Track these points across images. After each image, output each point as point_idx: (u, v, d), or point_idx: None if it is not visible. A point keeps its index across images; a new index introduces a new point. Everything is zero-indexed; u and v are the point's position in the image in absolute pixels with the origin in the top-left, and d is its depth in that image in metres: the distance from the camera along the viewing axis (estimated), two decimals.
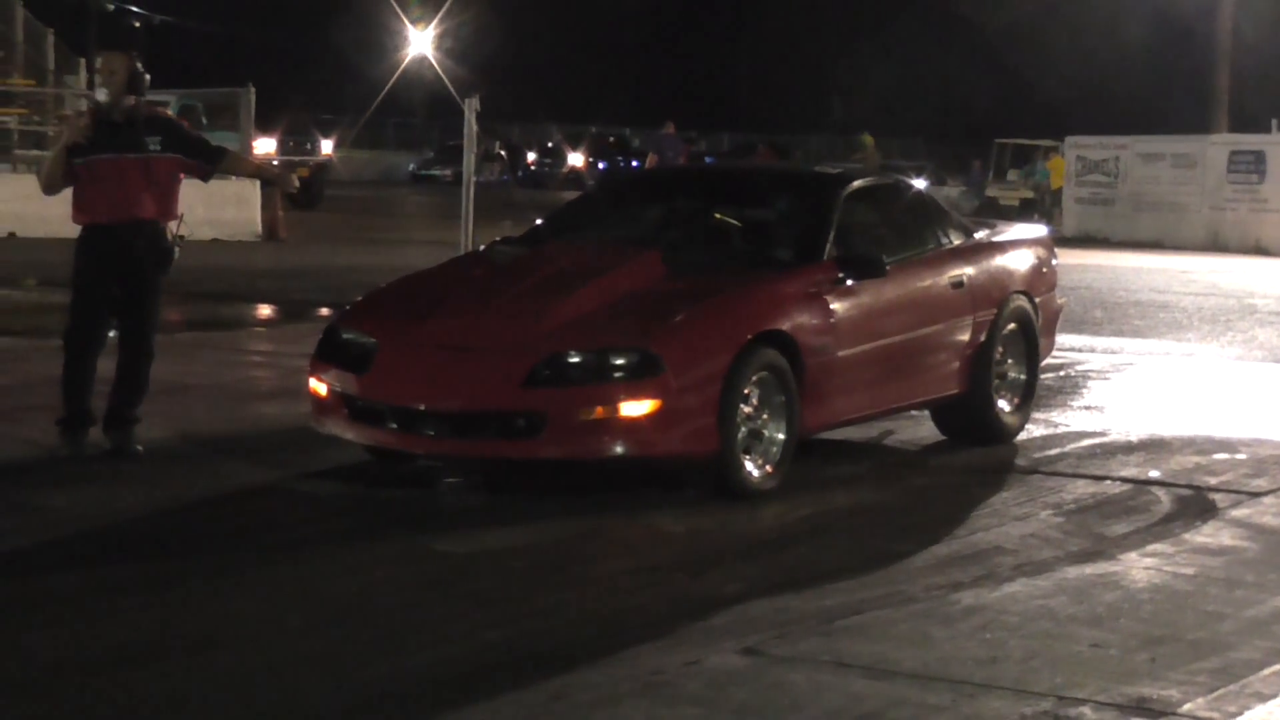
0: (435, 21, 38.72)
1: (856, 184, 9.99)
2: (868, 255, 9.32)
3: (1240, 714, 5.49)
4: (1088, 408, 11.91)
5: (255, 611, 6.48)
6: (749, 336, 8.45)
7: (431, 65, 37.89)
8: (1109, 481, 9.27)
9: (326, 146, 41.93)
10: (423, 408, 8.30)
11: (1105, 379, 13.54)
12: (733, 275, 9.04)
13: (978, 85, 66.80)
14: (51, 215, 25.17)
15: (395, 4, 37.18)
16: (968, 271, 10.08)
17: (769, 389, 8.57)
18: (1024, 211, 42.44)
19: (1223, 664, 6.01)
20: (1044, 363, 11.06)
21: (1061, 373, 13.53)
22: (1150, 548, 7.79)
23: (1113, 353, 15.37)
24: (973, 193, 47.80)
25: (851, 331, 9.11)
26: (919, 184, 11.44)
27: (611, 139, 64.58)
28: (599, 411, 8.10)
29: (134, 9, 62.41)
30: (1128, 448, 10.32)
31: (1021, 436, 10.46)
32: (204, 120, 37.66)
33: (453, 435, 8.28)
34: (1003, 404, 10.34)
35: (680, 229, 9.96)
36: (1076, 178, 39.68)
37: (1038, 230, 11.90)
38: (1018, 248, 10.81)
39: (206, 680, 5.62)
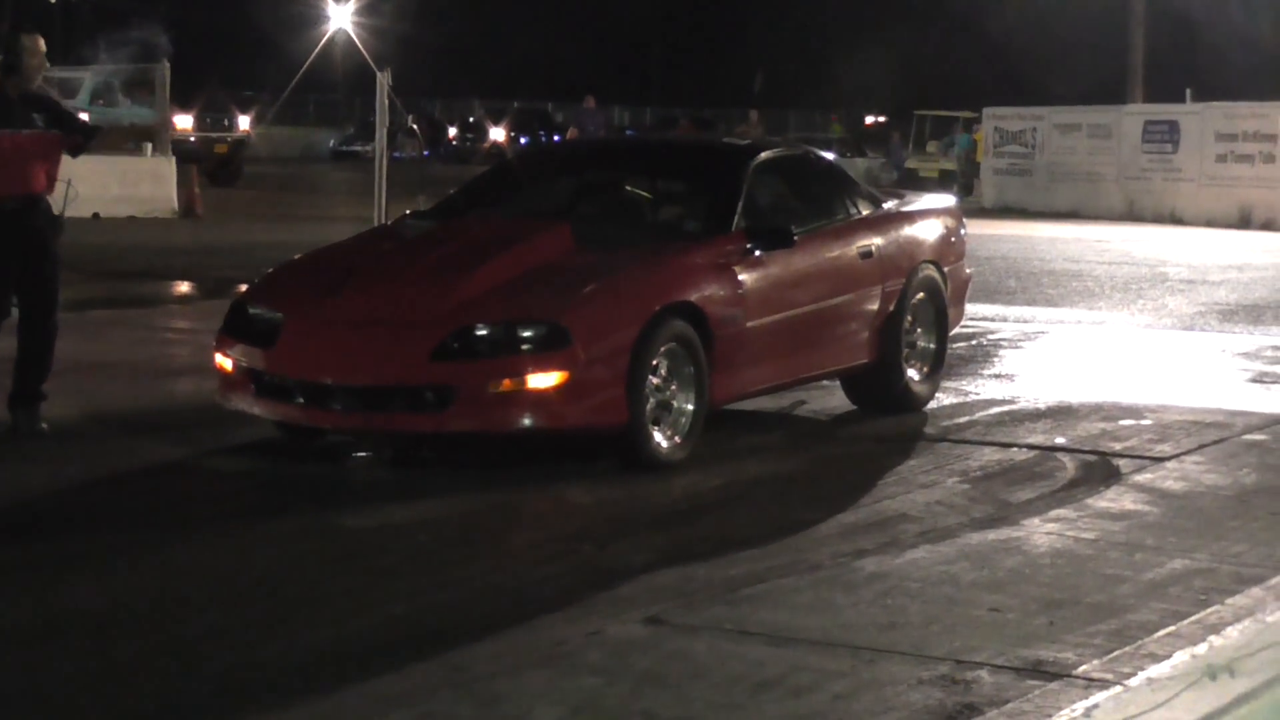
0: None
1: (765, 155, 10.01)
2: (776, 226, 9.33)
3: (1134, 675, 5.57)
4: (998, 376, 12.01)
5: (158, 588, 6.46)
6: (657, 308, 8.46)
7: (351, 40, 37.67)
8: (1015, 448, 9.36)
9: (244, 123, 41.66)
10: (330, 382, 8.27)
11: (1016, 348, 13.66)
12: (641, 247, 9.06)
13: (898, 58, 67.04)
14: None
15: None
16: (876, 241, 10.11)
17: (678, 360, 8.59)
18: (944, 183, 42.66)
19: (1119, 626, 6.10)
20: (954, 332, 11.14)
21: (973, 341, 13.64)
22: (1053, 513, 7.88)
23: (1024, 321, 15.51)
24: (892, 165, 48.01)
25: (760, 302, 9.12)
26: (828, 156, 11.48)
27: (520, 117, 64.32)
28: (507, 384, 8.10)
29: None
30: (1035, 415, 10.43)
31: (931, 405, 10.55)
32: (120, 97, 37.41)
33: (361, 409, 8.26)
34: (912, 373, 10.39)
35: (591, 202, 9.98)
36: (994, 149, 39.91)
37: (946, 200, 11.97)
38: (926, 217, 10.87)
39: (107, 658, 5.60)
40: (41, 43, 9.30)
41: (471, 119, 67.93)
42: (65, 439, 9.05)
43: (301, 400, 8.37)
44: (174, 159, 28.15)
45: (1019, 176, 39.11)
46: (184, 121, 36.49)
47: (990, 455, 9.18)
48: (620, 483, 8.32)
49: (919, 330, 10.53)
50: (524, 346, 8.18)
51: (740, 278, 9.02)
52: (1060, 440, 9.60)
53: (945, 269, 10.73)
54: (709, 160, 10.46)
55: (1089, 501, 8.14)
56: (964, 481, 8.54)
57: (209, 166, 34.49)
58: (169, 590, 6.44)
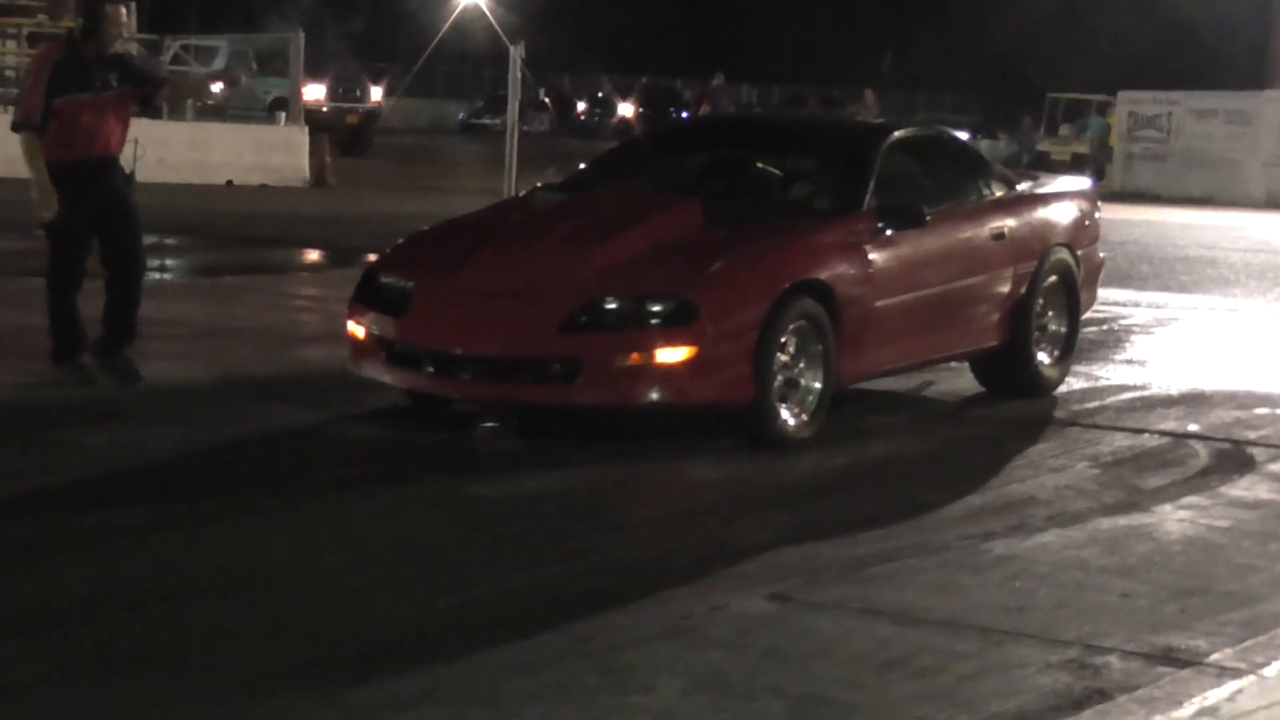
0: None
1: (898, 134, 9.95)
2: (907, 205, 9.27)
3: (1267, 664, 5.49)
4: (1129, 361, 11.86)
5: (287, 552, 6.53)
6: (786, 285, 8.42)
7: (483, 13, 37.84)
8: (1147, 435, 9.24)
9: (376, 94, 41.86)
10: (459, 352, 8.32)
11: (1148, 333, 13.48)
12: (771, 225, 9.02)
13: (1031, 40, 66.35)
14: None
15: None
16: (1009, 223, 10.02)
17: (806, 338, 8.55)
18: (1076, 167, 42.14)
19: (1252, 615, 6.01)
20: (1085, 316, 11.00)
21: (1105, 326, 13.47)
22: (1185, 500, 7.77)
23: (1157, 307, 15.30)
24: (1023, 147, 47.48)
25: (890, 282, 9.07)
26: (961, 135, 11.37)
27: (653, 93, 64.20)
28: (635, 358, 8.09)
29: None
30: (1168, 401, 10.29)
31: (1061, 389, 10.43)
32: (254, 66, 37.78)
33: (489, 380, 8.29)
34: (1043, 356, 10.29)
35: (721, 178, 9.94)
36: (1129, 133, 39.40)
37: (1081, 183, 11.81)
38: (1060, 200, 10.74)
39: (237, 617, 5.67)
40: (123, 12, 9.48)
41: (600, 94, 68.00)
42: (197, 402, 9.16)
43: (431, 369, 8.42)
44: (306, 128, 28.43)
45: (1153, 161, 38.59)
46: (316, 91, 36.78)
47: (1121, 441, 9.07)
48: (745, 459, 8.30)
49: (1050, 314, 10.41)
50: (652, 321, 8.17)
51: (870, 257, 8.96)
52: (1193, 427, 9.46)
53: (1079, 252, 10.60)
54: (841, 138, 10.42)
55: (1222, 490, 8.02)
56: (1094, 466, 8.44)
57: (340, 136, 34.78)
58: (297, 553, 6.50)
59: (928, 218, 9.29)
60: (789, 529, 7.04)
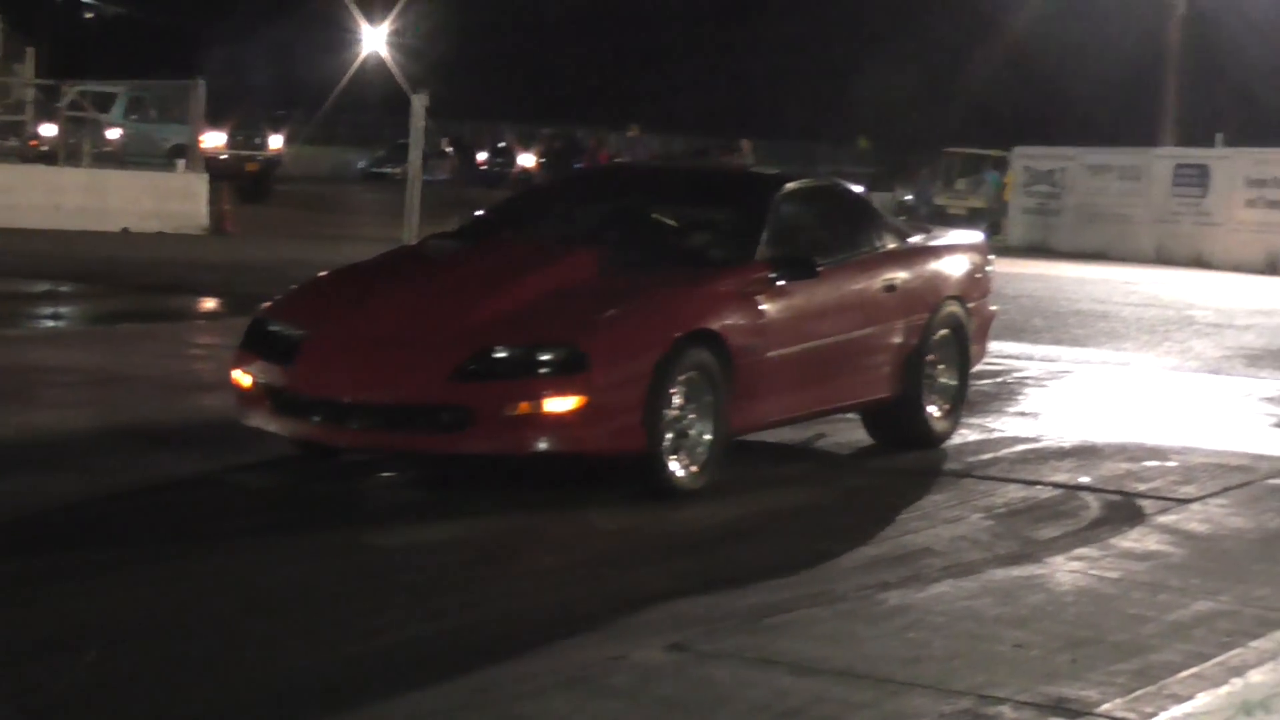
0: (389, 18, 38.65)
1: (791, 185, 9.99)
2: (799, 256, 9.31)
3: (1156, 714, 5.57)
4: (1023, 414, 12.01)
5: (183, 601, 6.48)
6: (677, 335, 8.43)
7: (384, 62, 37.79)
8: (1039, 486, 9.36)
9: (276, 141, 41.74)
10: (347, 400, 8.27)
11: (1042, 386, 13.66)
12: (665, 274, 9.04)
13: (931, 96, 67.12)
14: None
15: (348, 1, 37.09)
16: (900, 275, 10.09)
17: (697, 389, 8.55)
18: (972, 221, 42.61)
19: (1142, 666, 6.10)
20: (977, 369, 11.13)
21: (999, 379, 13.64)
22: (1077, 552, 7.88)
23: (1050, 360, 15.50)
24: (921, 201, 47.96)
25: (782, 332, 9.10)
26: (857, 189, 11.49)
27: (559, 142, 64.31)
28: (524, 407, 8.08)
29: (87, 0, 62.11)
30: (1060, 453, 10.43)
31: (955, 441, 10.54)
32: (153, 112, 37.61)
33: (378, 428, 8.24)
34: (933, 409, 10.35)
35: (617, 227, 9.97)
36: (1024, 188, 39.92)
37: (974, 236, 11.92)
38: (952, 253, 10.84)
39: (133, 668, 5.63)
40: None
41: (501, 144, 68.04)
42: (93, 450, 9.09)
43: (318, 418, 8.35)
44: (206, 175, 28.28)
45: (1048, 216, 39.12)
46: (216, 139, 36.60)
47: (1015, 492, 9.18)
48: (645, 509, 8.33)
49: (941, 366, 10.46)
50: (542, 370, 8.16)
51: (762, 307, 9.01)
52: (1085, 479, 9.60)
53: (970, 305, 10.70)
54: (735, 188, 10.49)
55: (1113, 541, 8.14)
56: (988, 518, 8.54)
57: (240, 184, 34.62)
58: (191, 603, 6.46)
59: (820, 269, 9.33)
60: (687, 579, 7.07)
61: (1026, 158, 40.38)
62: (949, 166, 49.28)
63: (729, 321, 8.77)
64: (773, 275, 9.14)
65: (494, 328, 8.33)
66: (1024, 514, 8.67)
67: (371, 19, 39.97)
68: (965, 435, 10.76)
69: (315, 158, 60.45)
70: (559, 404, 8.10)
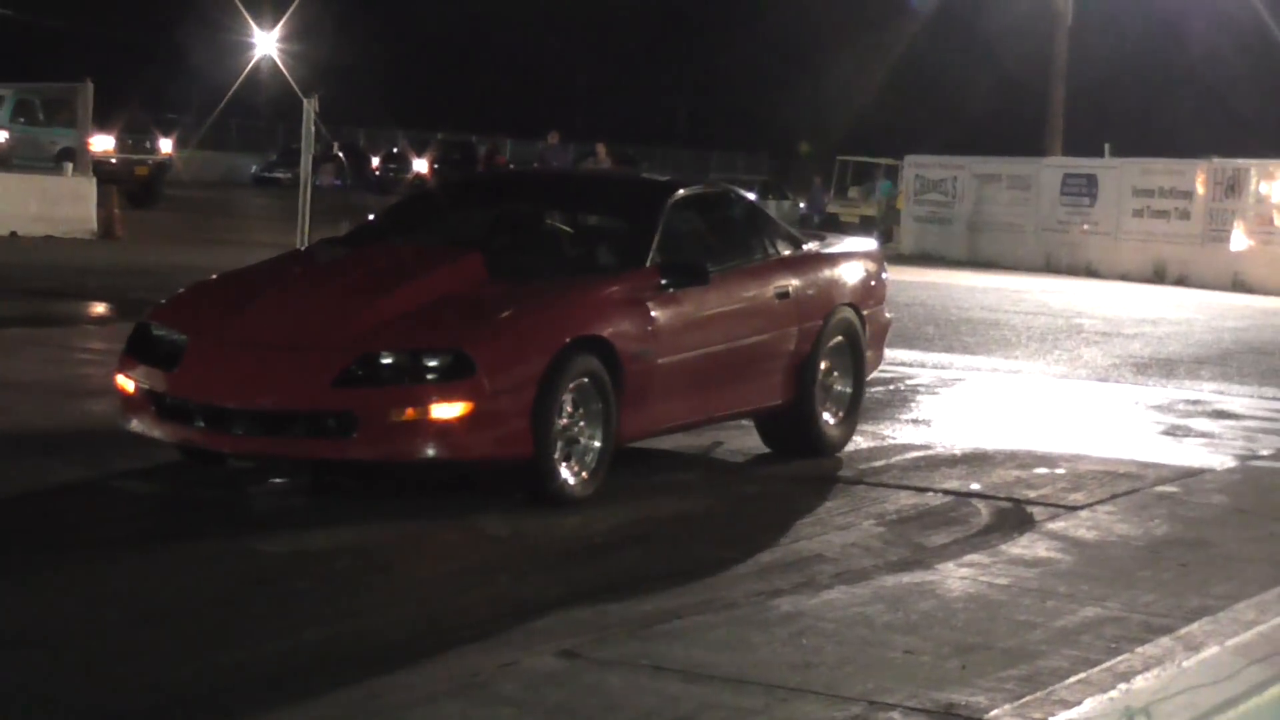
0: (280, 22, 38.37)
1: (683, 192, 9.95)
2: (690, 262, 9.28)
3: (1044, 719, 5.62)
4: (915, 421, 12.09)
5: (66, 610, 6.39)
6: (565, 340, 8.39)
7: (276, 66, 37.52)
8: (931, 493, 9.41)
9: (166, 145, 41.33)
10: (231, 405, 8.15)
11: (933, 394, 13.75)
12: (554, 280, 9.01)
13: (824, 103, 67.52)
14: None
15: (240, 4, 36.81)
16: (794, 282, 10.08)
17: (587, 395, 8.52)
18: (864, 229, 42.92)
19: (1031, 671, 6.14)
20: (871, 376, 11.17)
21: (890, 386, 13.72)
22: (968, 558, 7.93)
23: (942, 368, 15.61)
24: (813, 208, 48.28)
25: (673, 339, 9.07)
26: (749, 196, 11.51)
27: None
28: (410, 413, 8.00)
29: None
30: (951, 461, 10.49)
31: (849, 448, 10.58)
32: (41, 115, 37.11)
33: (262, 434, 8.12)
34: (827, 416, 10.35)
35: (507, 233, 9.95)
36: (915, 196, 40.24)
37: (868, 244, 11.97)
38: (847, 260, 10.85)
39: (15, 676, 5.54)
40: None
41: (395, 149, 67.79)
42: None
43: (202, 424, 8.22)
44: (94, 179, 27.95)
45: (939, 225, 39.44)
46: (105, 142, 36.18)
47: (906, 499, 9.23)
48: (537, 516, 8.30)
49: (835, 374, 10.47)
50: (428, 375, 8.07)
51: (653, 314, 8.95)
52: (975, 486, 9.66)
53: (864, 312, 10.71)
54: (627, 195, 10.41)
55: (1003, 548, 8.19)
56: (880, 524, 8.58)
57: (129, 188, 34.26)
58: (76, 612, 6.37)
59: (711, 275, 9.30)
60: (579, 586, 7.05)
61: (918, 166, 40.71)
62: (841, 174, 49.65)
63: (618, 328, 8.72)
64: (664, 281, 9.10)
65: (380, 332, 8.24)
66: (915, 520, 8.71)
67: (263, 23, 39.68)
68: (858, 442, 10.80)
69: (206, 162, 59.98)
70: (445, 410, 8.02)
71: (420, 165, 63.80)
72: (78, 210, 27.23)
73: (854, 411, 10.65)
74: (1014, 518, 8.88)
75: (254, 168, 65.24)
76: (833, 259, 10.74)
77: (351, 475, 8.53)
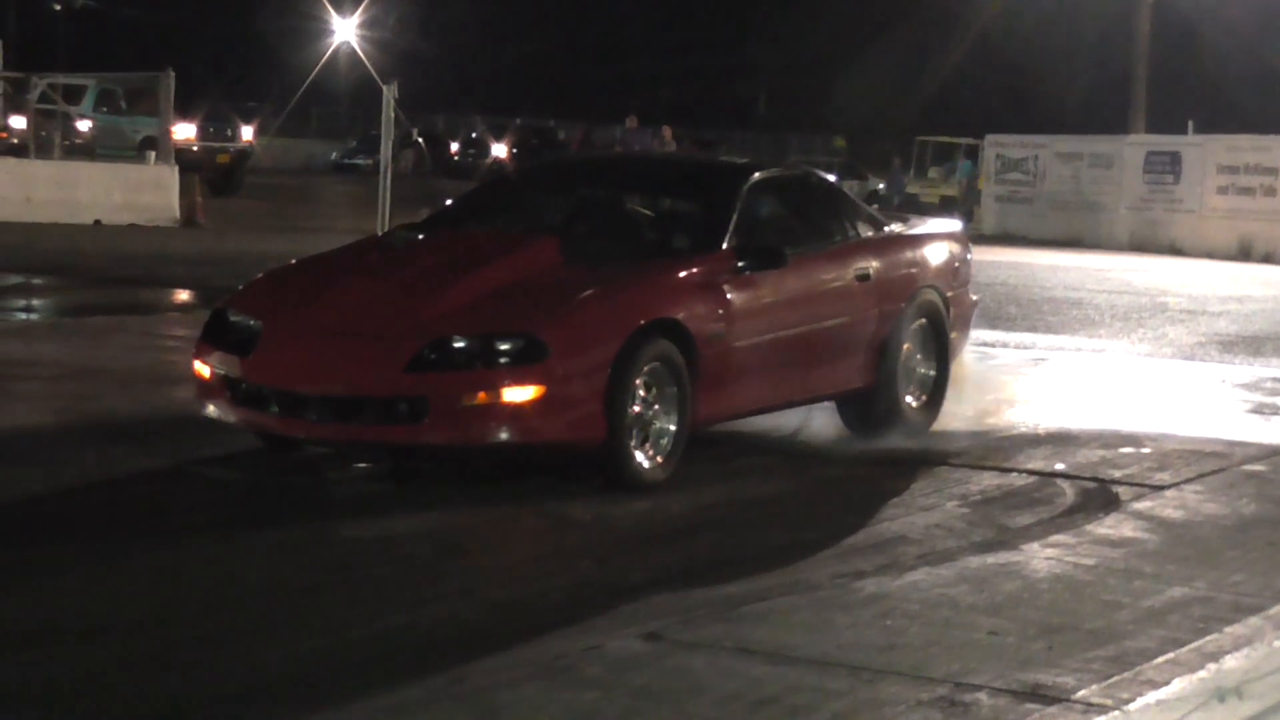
0: (360, 9, 38.57)
1: (761, 175, 9.91)
2: (767, 245, 9.22)
3: (1132, 700, 5.56)
4: (998, 401, 11.98)
5: (152, 596, 6.44)
6: (639, 323, 8.34)
7: (355, 53, 37.71)
8: (1015, 474, 9.34)
9: (247, 133, 41.58)
10: (305, 391, 8.17)
11: (1017, 373, 13.64)
12: (628, 263, 8.96)
13: (900, 83, 67.19)
14: None
15: None
16: (874, 264, 10.00)
17: (661, 379, 8.48)
18: (945, 209, 42.70)
19: (1118, 652, 6.08)
20: (957, 358, 11.07)
21: (974, 367, 13.60)
22: (1052, 538, 7.87)
23: (1025, 348, 15.50)
24: (893, 189, 48.06)
25: (750, 322, 9.01)
26: (829, 177, 11.44)
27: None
28: (482, 397, 7.98)
29: None
30: (1035, 441, 10.41)
31: (933, 428, 10.50)
32: (123, 105, 37.45)
33: (335, 420, 8.14)
34: (909, 399, 10.30)
35: (583, 217, 9.90)
36: (995, 176, 39.98)
37: (952, 225, 11.86)
38: (929, 242, 10.77)
39: (100, 663, 5.58)
40: None
41: (474, 135, 67.95)
42: (62, 444, 9.03)
43: (276, 409, 8.26)
44: (176, 168, 28.18)
45: (1020, 204, 39.18)
46: (186, 131, 36.46)
47: (990, 480, 9.17)
48: (619, 500, 8.29)
49: (919, 356, 10.40)
50: (500, 359, 8.06)
51: (728, 296, 8.90)
52: (1060, 466, 9.58)
53: (948, 294, 10.63)
54: (704, 178, 10.35)
55: (1088, 528, 8.13)
56: (963, 505, 8.53)
57: (211, 176, 34.51)
58: (162, 597, 6.42)
59: (788, 257, 9.25)
60: (663, 568, 7.05)
61: (998, 145, 40.44)
62: (921, 155, 49.38)
63: (693, 310, 8.67)
64: (740, 264, 9.05)
65: (452, 317, 8.23)
66: (999, 501, 8.66)
67: (342, 10, 39.86)
68: (942, 423, 10.71)
69: (286, 149, 60.36)
70: (518, 394, 8.00)
71: (499, 150, 63.92)
72: (160, 198, 27.46)
73: (938, 394, 10.57)
74: (1099, 498, 8.80)
75: (334, 155, 65.55)
76: (915, 240, 10.66)
77: (429, 460, 8.54)
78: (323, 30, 41.33)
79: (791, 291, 9.38)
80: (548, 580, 6.86)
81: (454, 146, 66.21)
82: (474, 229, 9.69)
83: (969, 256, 11.19)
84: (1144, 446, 10.34)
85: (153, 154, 29.33)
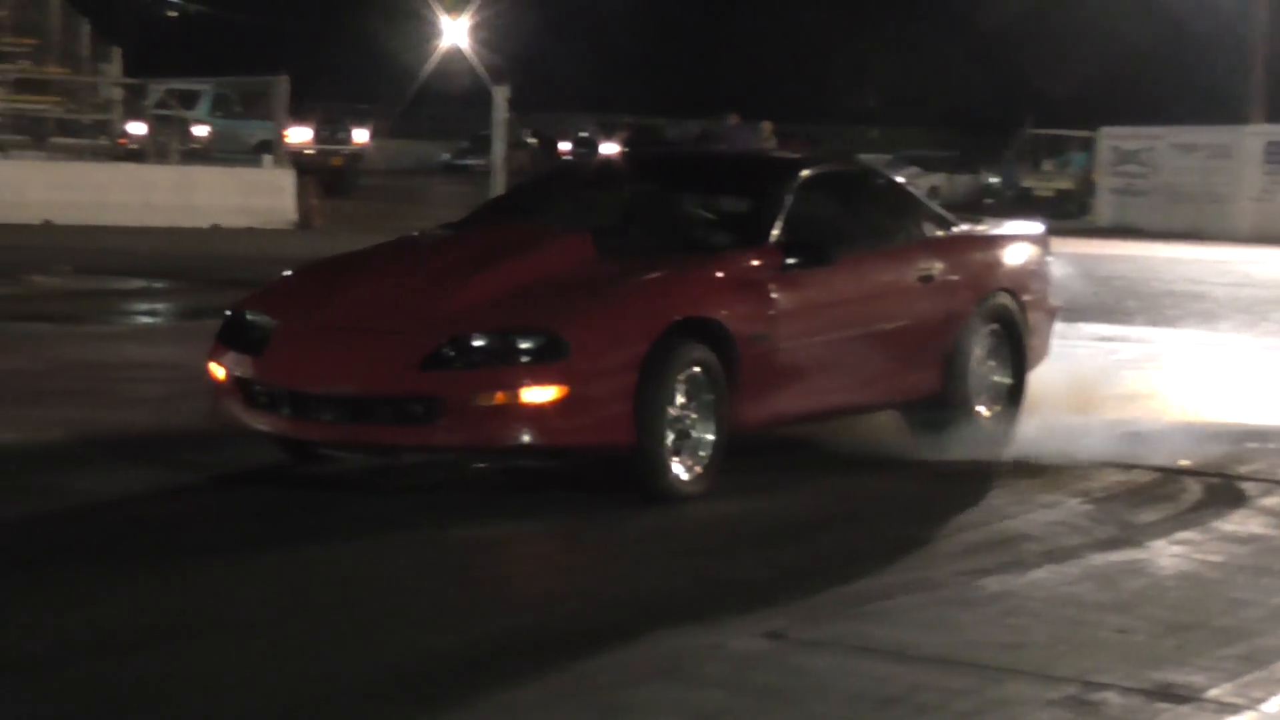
0: (470, 11, 38.78)
1: (813, 170, 9.44)
2: (814, 241, 8.73)
3: (1266, 699, 5.47)
4: (1118, 396, 11.82)
5: (272, 593, 6.48)
6: (674, 319, 7.95)
7: (464, 54, 37.88)
8: (1138, 470, 9.22)
9: (360, 136, 41.96)
10: (316, 391, 7.87)
11: (1137, 368, 13.45)
12: (665, 258, 8.55)
13: (1003, 75, 66.65)
14: (84, 202, 25.53)
15: None
16: (938, 265, 9.51)
17: (698, 385, 8.07)
18: (1060, 202, 42.35)
19: (1249, 650, 5.98)
20: (1037, 367, 10.34)
21: (1093, 362, 13.45)
22: (1178, 535, 7.76)
23: (1145, 341, 15.32)
24: (1006, 183, 47.67)
25: (797, 323, 8.57)
26: (908, 171, 11.18)
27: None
28: (499, 397, 7.63)
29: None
30: (1158, 436, 10.25)
31: (1053, 423, 10.28)
32: (238, 109, 37.90)
33: (348, 421, 7.83)
34: (981, 409, 9.72)
35: (624, 212, 9.58)
36: (1111, 168, 39.56)
37: (1030, 226, 11.06)
38: (1003, 243, 10.26)
39: (223, 661, 5.63)
40: None
41: (584, 134, 68.09)
42: (183, 444, 9.13)
43: (288, 411, 7.95)
44: (292, 170, 28.47)
45: (1136, 196, 38.78)
46: (301, 134, 36.84)
47: (1112, 476, 9.05)
48: (737, 498, 8.26)
49: (991, 363, 9.82)
50: (521, 358, 7.68)
51: (773, 295, 8.46)
52: (1184, 462, 9.45)
53: (1024, 299, 10.04)
54: (752, 172, 9.94)
55: (1215, 524, 8.01)
56: (1086, 502, 8.43)
57: (325, 178, 34.83)
58: (284, 594, 6.46)
59: (842, 256, 8.81)
60: (783, 567, 7.02)
61: (1113, 138, 40.04)
62: (1035, 148, 48.95)
63: (733, 309, 8.25)
64: (788, 261, 8.59)
65: (473, 314, 7.87)
66: (1123, 498, 8.55)
67: (452, 12, 40.08)
68: (1060, 419, 10.55)
69: (399, 151, 60.84)
70: (537, 394, 7.63)
71: (609, 149, 63.98)
72: (277, 201, 27.78)
73: (1014, 405, 9.96)
74: (1226, 494, 8.67)
75: (445, 155, 65.93)
76: (986, 241, 10.18)
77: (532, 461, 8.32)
78: (433, 31, 41.55)
79: (845, 292, 8.95)
80: (669, 578, 6.85)
81: (565, 146, 66.39)
82: (505, 223, 9.30)
83: (1048, 259, 10.58)
84: (1270, 441, 10.18)
85: (268, 157, 29.66)
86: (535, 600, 6.46)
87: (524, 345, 7.70)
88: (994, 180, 49.69)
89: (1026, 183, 47.00)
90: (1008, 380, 9.94)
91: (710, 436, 8.13)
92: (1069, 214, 39.79)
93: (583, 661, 5.66)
